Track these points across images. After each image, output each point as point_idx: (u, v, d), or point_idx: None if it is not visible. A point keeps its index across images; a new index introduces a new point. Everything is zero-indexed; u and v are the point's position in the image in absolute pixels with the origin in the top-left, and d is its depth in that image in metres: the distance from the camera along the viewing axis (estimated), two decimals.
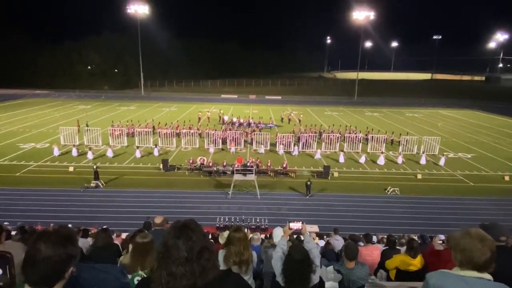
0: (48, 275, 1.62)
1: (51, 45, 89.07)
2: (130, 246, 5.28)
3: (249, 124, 41.79)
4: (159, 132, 33.94)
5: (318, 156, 30.52)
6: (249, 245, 4.06)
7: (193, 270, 1.61)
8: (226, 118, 44.53)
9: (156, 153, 30.08)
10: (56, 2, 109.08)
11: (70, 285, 1.75)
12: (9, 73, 76.55)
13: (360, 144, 32.96)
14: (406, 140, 32.31)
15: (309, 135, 33.32)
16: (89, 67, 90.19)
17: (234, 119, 43.54)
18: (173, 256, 1.62)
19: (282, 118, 46.81)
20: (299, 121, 45.36)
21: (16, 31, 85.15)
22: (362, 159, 29.63)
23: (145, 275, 2.82)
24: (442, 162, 29.24)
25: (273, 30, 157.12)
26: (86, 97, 68.92)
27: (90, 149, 29.68)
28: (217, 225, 17.55)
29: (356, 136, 34.04)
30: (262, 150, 31.84)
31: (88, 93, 74.95)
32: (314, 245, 3.86)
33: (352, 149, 32.52)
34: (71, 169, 25.80)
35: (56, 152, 29.33)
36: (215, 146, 32.03)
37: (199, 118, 45.17)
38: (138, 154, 29.37)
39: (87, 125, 37.33)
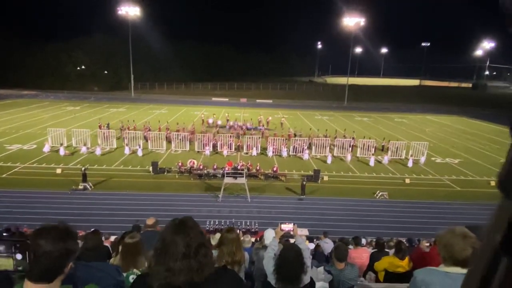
0: (49, 270, 1.65)
1: (40, 45, 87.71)
2: (120, 248, 5.28)
3: (230, 127, 41.90)
4: (146, 134, 33.93)
5: (306, 156, 30.98)
6: (242, 245, 4.11)
7: (190, 265, 1.65)
8: (219, 122, 44.14)
9: (139, 153, 30.20)
10: (45, 2, 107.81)
11: (67, 281, 1.77)
12: None
13: (351, 148, 33.22)
14: (396, 147, 32.77)
15: (299, 140, 33.54)
16: (78, 68, 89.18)
17: (231, 123, 43.38)
18: (171, 252, 1.66)
19: (259, 121, 46.17)
20: (281, 124, 45.29)
21: (4, 31, 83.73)
22: (348, 158, 31.00)
23: (139, 273, 2.84)
24: (422, 160, 30.94)
25: (264, 34, 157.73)
26: (74, 98, 68.05)
27: (84, 144, 30.66)
28: (207, 228, 17.51)
29: (346, 141, 34.23)
30: (254, 152, 31.98)
31: (77, 94, 74.03)
32: (305, 247, 3.91)
33: (342, 154, 32.75)
34: (58, 171, 25.44)
35: (47, 148, 29.69)
36: (208, 150, 31.92)
37: (203, 121, 44.80)
38: (127, 150, 30.48)
39: (108, 127, 37.38)
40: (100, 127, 36.50)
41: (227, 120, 44.50)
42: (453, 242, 2.24)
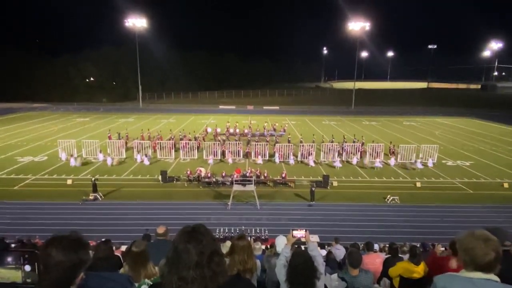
0: (60, 280, 1.61)
1: (49, 59, 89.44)
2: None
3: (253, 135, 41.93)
4: (157, 143, 34.02)
5: (311, 163, 30.92)
6: (253, 253, 4.04)
7: (204, 274, 1.61)
8: (218, 130, 43.85)
9: (146, 162, 30.50)
10: (54, 16, 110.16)
11: None
12: (7, 86, 76.69)
13: (359, 153, 32.94)
14: (401, 153, 32.38)
15: (307, 145, 33.35)
16: (86, 80, 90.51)
17: (237, 130, 43.44)
18: (184, 260, 1.62)
19: (264, 127, 46.03)
20: (284, 130, 45.16)
21: (14, 45, 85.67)
22: (354, 161, 31.36)
23: (151, 283, 2.81)
24: (430, 163, 30.83)
25: (270, 41, 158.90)
26: (84, 110, 68.97)
27: (100, 151, 31.62)
28: (217, 236, 17.44)
29: (353, 146, 33.94)
30: (260, 160, 31.62)
31: (86, 106, 75.04)
32: (318, 253, 3.84)
33: (350, 158, 32.49)
34: (69, 182, 25.68)
35: (64, 157, 30.79)
36: (214, 157, 31.93)
37: (227, 128, 44.87)
38: (139, 158, 31.18)
39: (119, 137, 37.73)
40: (109, 137, 36.83)
41: (250, 127, 44.48)
42: (474, 246, 2.15)
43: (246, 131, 42.95)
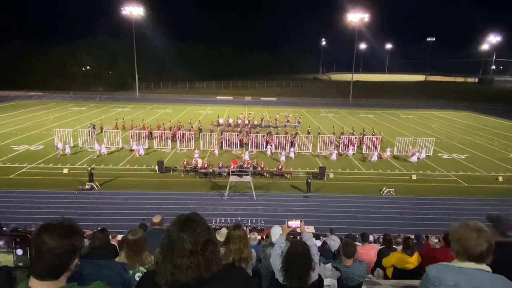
0: (54, 266, 1.62)
1: (45, 47, 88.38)
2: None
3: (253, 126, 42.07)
4: (154, 133, 33.89)
5: (292, 155, 30.94)
6: (249, 243, 4.06)
7: (198, 262, 1.62)
8: (221, 120, 43.94)
9: (141, 151, 30.46)
10: (50, 4, 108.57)
11: (73, 279, 1.75)
12: (3, 75, 75.86)
13: (355, 146, 33.05)
14: (398, 144, 32.49)
15: (305, 137, 33.42)
16: (83, 69, 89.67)
17: (230, 120, 43.51)
18: (178, 248, 1.62)
19: (276, 119, 46.26)
20: (298, 122, 45.43)
21: (10, 33, 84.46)
22: (350, 152, 31.62)
23: (145, 270, 2.82)
24: (423, 155, 31.30)
25: (268, 32, 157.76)
26: (80, 98, 68.49)
27: (96, 140, 31.59)
28: (213, 226, 17.51)
29: (349, 138, 33.97)
30: (247, 156, 29.70)
31: (82, 94, 74.46)
32: (313, 243, 3.86)
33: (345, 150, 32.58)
34: (65, 171, 25.61)
35: (60, 146, 30.47)
36: (198, 152, 31.31)
37: (237, 118, 44.84)
38: (135, 146, 30.91)
39: (93, 127, 37.37)
40: (90, 129, 36.21)
41: (261, 119, 44.70)
42: (467, 236, 2.18)
43: (255, 122, 43.55)
